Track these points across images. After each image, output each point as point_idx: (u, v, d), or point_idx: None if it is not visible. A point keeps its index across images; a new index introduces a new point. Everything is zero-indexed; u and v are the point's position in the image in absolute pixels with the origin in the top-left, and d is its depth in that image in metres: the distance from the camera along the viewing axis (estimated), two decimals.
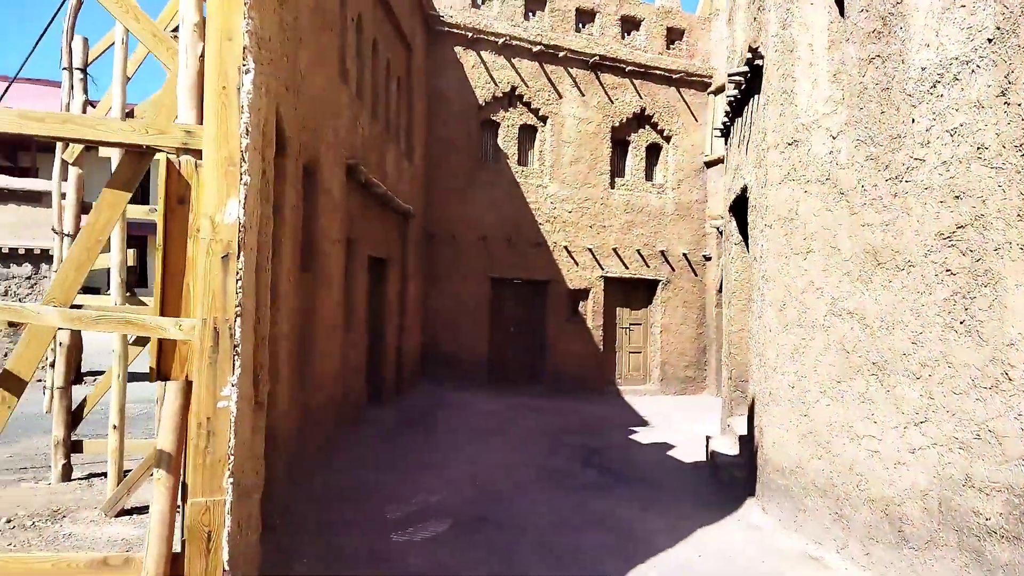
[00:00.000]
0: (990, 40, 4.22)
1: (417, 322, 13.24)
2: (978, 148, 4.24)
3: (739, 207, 8.53)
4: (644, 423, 12.24)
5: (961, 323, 4.25)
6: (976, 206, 4.22)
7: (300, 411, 6.51)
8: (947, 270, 4.40)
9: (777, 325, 6.32)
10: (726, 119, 8.88)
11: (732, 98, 8.10)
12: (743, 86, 7.69)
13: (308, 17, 6.48)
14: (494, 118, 14.66)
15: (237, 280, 2.51)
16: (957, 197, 4.37)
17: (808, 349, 5.80)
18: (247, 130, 2.49)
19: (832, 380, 5.47)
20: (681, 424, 12.00)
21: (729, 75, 7.72)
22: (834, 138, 5.64)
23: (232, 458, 2.48)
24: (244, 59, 2.51)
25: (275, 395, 5.14)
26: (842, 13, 5.64)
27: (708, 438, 8.82)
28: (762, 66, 6.91)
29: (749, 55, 7.03)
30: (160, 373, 2.78)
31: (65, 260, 3.15)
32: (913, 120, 4.79)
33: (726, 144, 9.55)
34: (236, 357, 2.49)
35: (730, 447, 8.05)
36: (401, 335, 11.87)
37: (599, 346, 15.22)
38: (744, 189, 7.55)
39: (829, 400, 5.51)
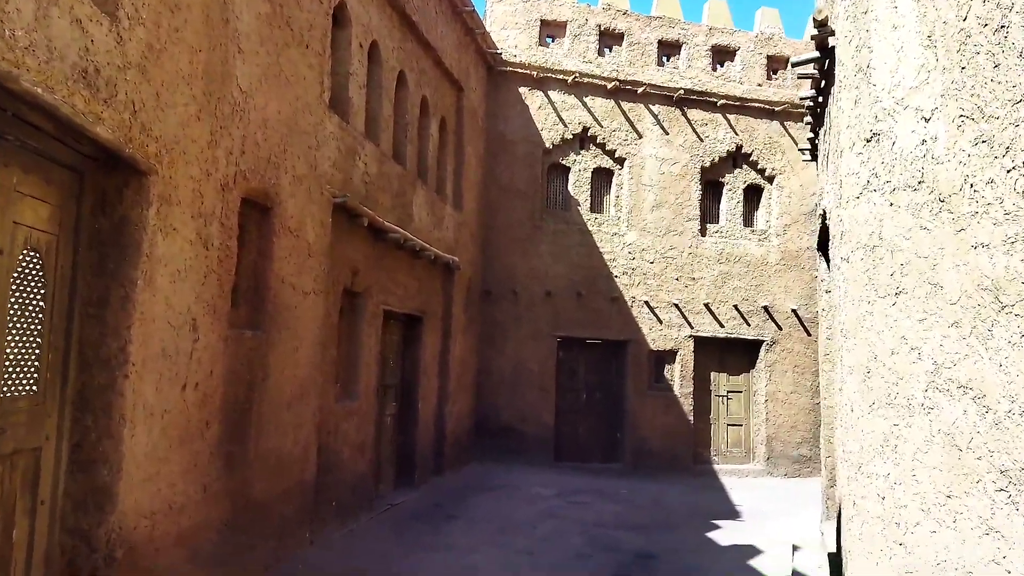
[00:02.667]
0: None
1: (468, 389, 11.77)
2: None
3: (826, 242, 6.52)
4: (734, 515, 9.94)
5: None
6: None
7: (226, 504, 5.17)
8: None
9: (861, 402, 4.29)
10: (811, 133, 7.00)
11: (810, 101, 6.24)
12: (821, 82, 5.84)
13: (254, 25, 5.43)
14: (563, 162, 13.27)
15: None
16: None
17: (903, 441, 3.76)
18: None
19: (939, 493, 3.42)
20: (782, 519, 9.61)
21: (792, 63, 5.88)
22: (927, 120, 3.72)
23: None
24: None
25: (112, 491, 3.81)
26: None
27: (795, 549, 6.62)
28: (835, 46, 5.09)
29: (816, 31, 5.22)
30: None
31: None
32: None
33: (817, 167, 7.59)
34: None
35: (817, 567, 5.87)
36: (443, 405, 10.44)
37: (689, 418, 13.03)
38: (824, 216, 5.61)
39: (935, 524, 3.43)
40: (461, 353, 11.20)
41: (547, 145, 13.03)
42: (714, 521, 9.42)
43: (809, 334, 13.64)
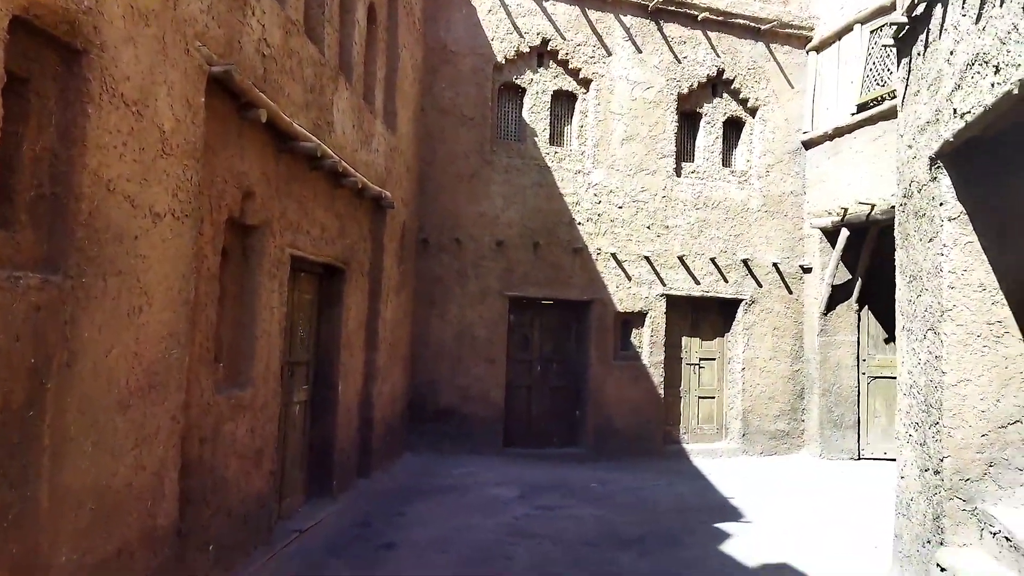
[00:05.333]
0: None
1: (401, 364, 9.35)
2: None
3: (961, 152, 4.44)
4: (734, 513, 8.04)
5: None
6: None
7: None
8: None
9: None
10: None
11: None
12: None
13: None
14: (518, 81, 10.83)
15: None
16: None
17: None
18: None
19: None
20: (791, 517, 7.80)
21: None
22: None
23: None
24: None
25: None
26: None
27: None
28: None
29: None
30: None
31: None
32: None
33: (916, 47, 5.45)
34: None
35: None
36: (370, 385, 7.99)
37: (659, 391, 11.10)
38: None
39: None
40: (393, 318, 8.74)
41: (499, 60, 10.55)
42: (717, 525, 7.49)
43: (790, 292, 11.93)
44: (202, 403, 4.42)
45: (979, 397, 4.39)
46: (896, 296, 5.55)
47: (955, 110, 4.26)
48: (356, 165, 7.11)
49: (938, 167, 4.62)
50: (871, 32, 10.97)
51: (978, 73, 3.95)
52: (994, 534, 4.14)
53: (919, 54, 5.09)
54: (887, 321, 11.67)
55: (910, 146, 5.24)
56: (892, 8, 10.49)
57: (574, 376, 11.01)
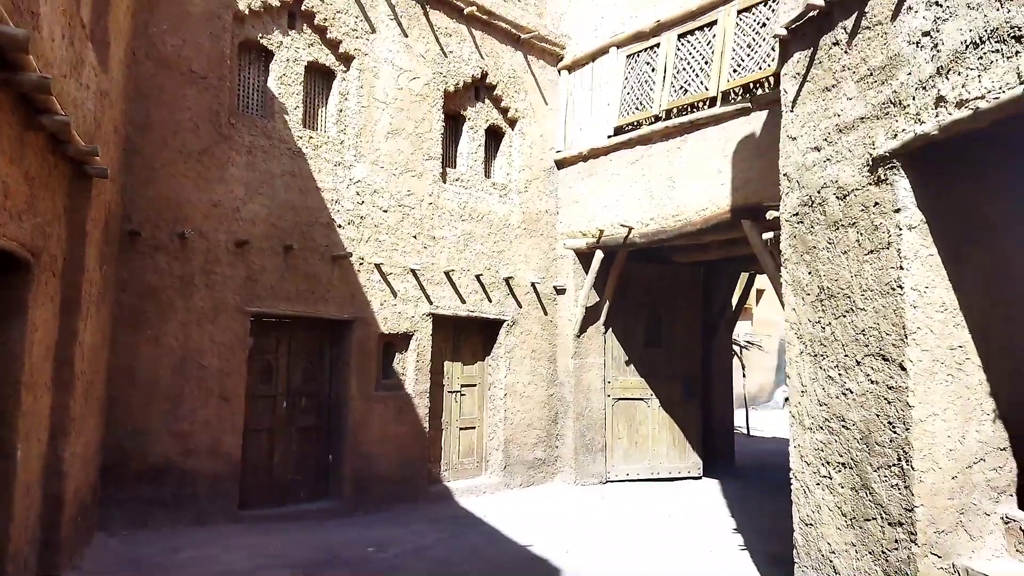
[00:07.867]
0: None
1: (96, 407, 6.47)
2: None
3: (920, 153, 3.92)
4: (550, 569, 6.91)
5: None
6: None
7: None
8: None
9: None
10: None
11: None
12: None
13: None
14: (264, 41, 8.57)
15: None
16: None
17: None
18: None
19: None
20: (606, 560, 6.95)
21: None
22: None
23: None
24: None
25: None
26: None
27: None
28: None
29: None
30: None
31: None
32: None
33: (833, 34, 4.95)
34: None
35: None
36: (59, 442, 5.17)
37: (424, 424, 9.62)
38: None
39: None
40: (92, 342, 5.93)
41: (240, 7, 8.18)
42: None
43: (546, 313, 11.44)
44: None
45: (946, 434, 3.88)
46: (787, 317, 4.99)
47: (941, 98, 3.72)
48: (63, 100, 4.49)
49: (891, 168, 4.08)
50: (628, 56, 11.04)
51: (997, 51, 3.42)
52: None
53: (836, 43, 4.60)
54: (628, 343, 11.82)
55: (818, 148, 4.72)
56: (652, 34, 10.67)
57: (328, 412, 8.95)
